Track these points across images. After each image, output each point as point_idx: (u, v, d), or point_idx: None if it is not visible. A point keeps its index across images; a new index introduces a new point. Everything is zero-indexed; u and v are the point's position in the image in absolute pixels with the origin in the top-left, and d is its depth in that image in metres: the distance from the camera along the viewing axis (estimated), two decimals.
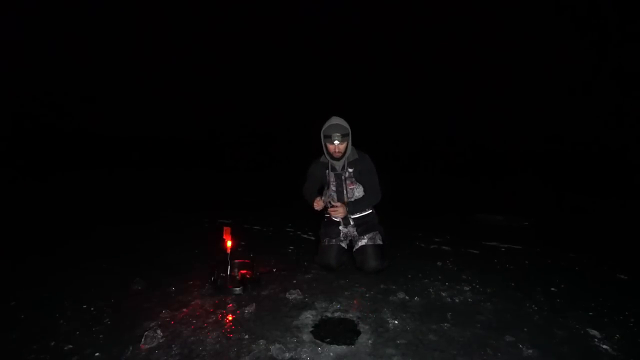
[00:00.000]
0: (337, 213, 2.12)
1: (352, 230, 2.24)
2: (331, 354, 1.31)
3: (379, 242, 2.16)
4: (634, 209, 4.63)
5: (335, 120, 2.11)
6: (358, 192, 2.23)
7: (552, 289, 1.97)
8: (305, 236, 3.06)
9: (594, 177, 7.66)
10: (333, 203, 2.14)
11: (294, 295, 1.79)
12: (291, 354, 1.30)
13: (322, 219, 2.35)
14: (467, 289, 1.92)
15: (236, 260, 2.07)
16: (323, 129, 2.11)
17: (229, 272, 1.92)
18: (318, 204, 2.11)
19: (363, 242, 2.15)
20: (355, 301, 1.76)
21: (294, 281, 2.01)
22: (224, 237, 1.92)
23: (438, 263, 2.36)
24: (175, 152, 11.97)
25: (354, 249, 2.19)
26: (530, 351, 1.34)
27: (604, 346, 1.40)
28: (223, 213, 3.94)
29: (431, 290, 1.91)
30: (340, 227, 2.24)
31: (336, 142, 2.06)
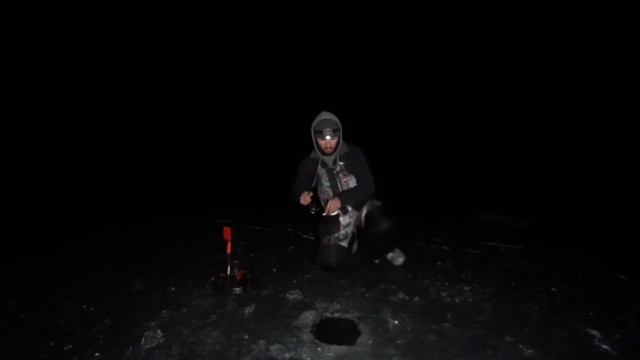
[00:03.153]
0: (333, 207, 2.04)
1: (352, 222, 2.22)
2: (331, 354, 1.31)
3: (379, 204, 2.16)
4: (634, 208, 4.62)
5: (326, 115, 2.08)
6: (352, 183, 2.21)
7: (552, 289, 1.97)
8: (305, 236, 3.06)
9: (594, 177, 7.66)
10: (324, 206, 2.06)
11: (294, 295, 1.79)
12: (291, 354, 1.30)
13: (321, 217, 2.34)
14: (467, 289, 1.92)
15: (236, 260, 2.06)
16: (313, 124, 2.08)
17: (229, 272, 1.93)
18: (305, 199, 2.04)
19: (365, 210, 2.15)
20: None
21: (294, 281, 2.01)
22: (224, 237, 1.92)
23: (438, 263, 2.36)
24: (175, 152, 11.97)
25: (360, 225, 2.17)
26: (530, 351, 1.34)
27: (604, 346, 1.40)
28: (223, 213, 3.94)
29: (431, 290, 1.91)
30: (341, 218, 2.21)
31: (327, 137, 2.04)
